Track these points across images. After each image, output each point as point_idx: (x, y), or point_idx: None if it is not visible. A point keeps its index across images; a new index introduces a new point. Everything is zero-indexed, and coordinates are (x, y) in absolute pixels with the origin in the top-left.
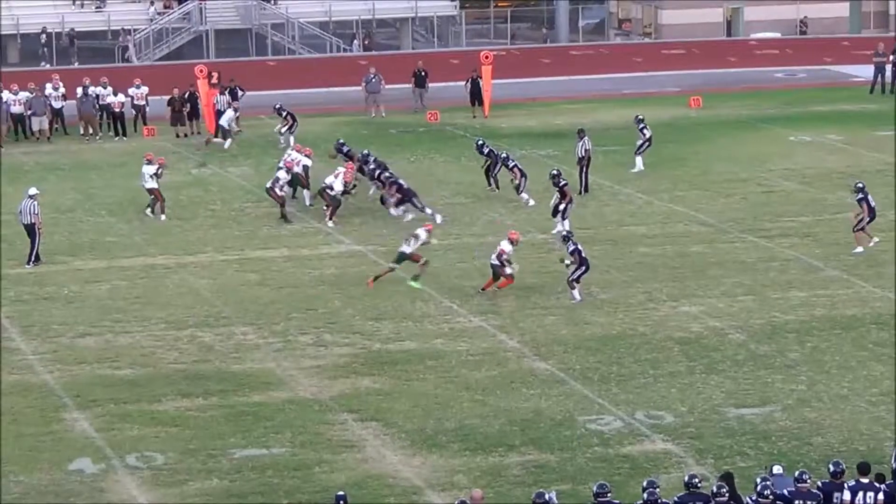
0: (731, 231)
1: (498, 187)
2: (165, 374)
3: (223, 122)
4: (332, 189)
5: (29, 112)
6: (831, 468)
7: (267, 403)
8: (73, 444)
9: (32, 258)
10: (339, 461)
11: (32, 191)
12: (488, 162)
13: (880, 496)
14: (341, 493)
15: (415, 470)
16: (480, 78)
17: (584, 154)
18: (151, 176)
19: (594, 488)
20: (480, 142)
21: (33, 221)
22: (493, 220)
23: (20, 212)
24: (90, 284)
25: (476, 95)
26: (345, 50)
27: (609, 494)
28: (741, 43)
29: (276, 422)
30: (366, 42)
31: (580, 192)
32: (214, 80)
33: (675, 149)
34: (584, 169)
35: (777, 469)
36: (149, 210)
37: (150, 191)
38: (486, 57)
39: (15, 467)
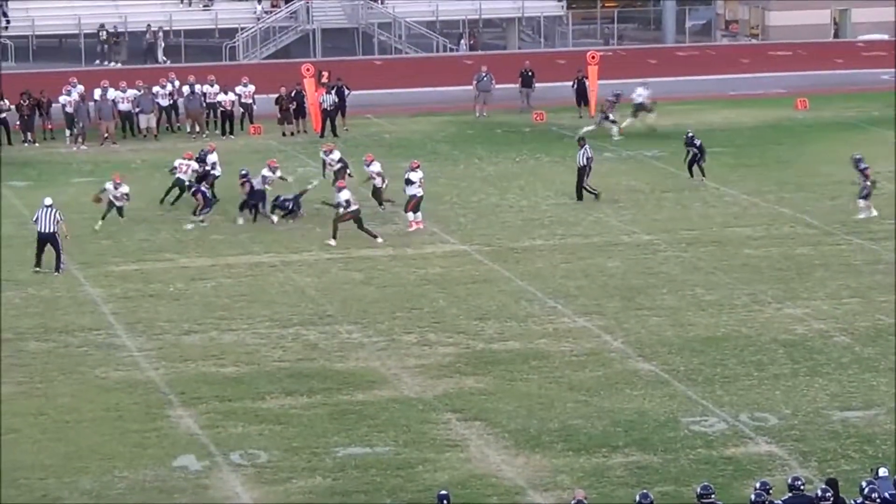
0: (836, 233)
1: (704, 175)
2: (270, 371)
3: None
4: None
5: (137, 110)
6: None
7: (371, 402)
8: (177, 441)
9: (61, 265)
10: (443, 460)
11: (48, 201)
12: (692, 153)
13: None
14: (444, 492)
15: (518, 470)
16: (587, 78)
17: (585, 163)
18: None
19: (698, 490)
20: (690, 134)
21: (54, 230)
22: (598, 220)
23: (36, 220)
24: (196, 282)
25: (582, 96)
26: (451, 50)
27: (713, 496)
28: (848, 44)
29: (379, 420)
30: (472, 42)
31: (577, 199)
32: (325, 80)
33: (781, 150)
34: (584, 178)
35: (883, 471)
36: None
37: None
38: (593, 57)
39: (120, 463)
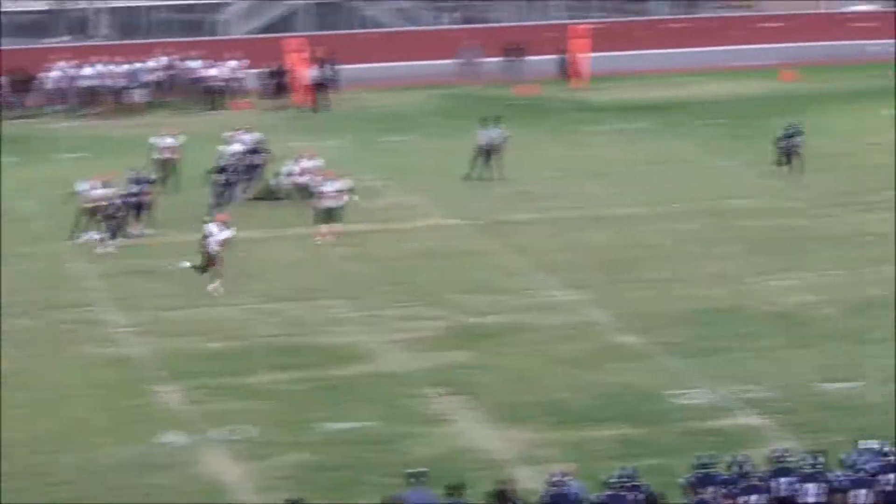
0: (824, 205)
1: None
2: (256, 347)
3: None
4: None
5: (125, 85)
6: None
7: (357, 377)
8: (163, 417)
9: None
10: (428, 435)
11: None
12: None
13: None
14: (418, 469)
15: (503, 443)
16: (573, 51)
17: (494, 142)
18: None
19: (698, 460)
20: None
21: None
22: (587, 193)
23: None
24: (184, 258)
25: (570, 68)
26: (440, 23)
27: (711, 466)
28: (838, 16)
29: (366, 395)
30: (460, 14)
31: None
32: (316, 54)
33: (770, 122)
34: (493, 156)
35: (866, 443)
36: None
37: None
38: (582, 30)
39: (108, 439)
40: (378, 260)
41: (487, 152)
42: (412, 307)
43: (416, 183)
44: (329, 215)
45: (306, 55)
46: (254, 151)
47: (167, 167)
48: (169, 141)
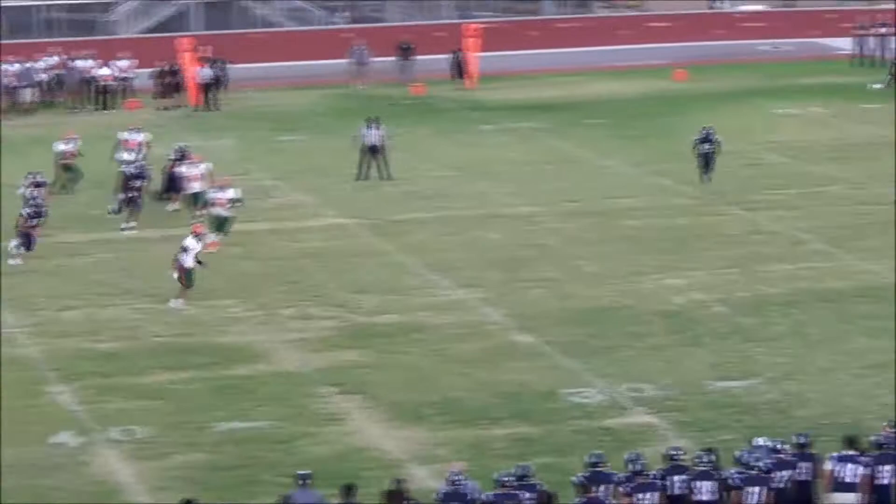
0: (716, 204)
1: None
2: (149, 347)
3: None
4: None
5: (17, 84)
6: (797, 440)
7: (251, 376)
8: (56, 418)
9: None
10: (323, 434)
11: None
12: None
13: (865, 469)
14: (305, 472)
15: (398, 443)
16: (463, 51)
17: (378, 142)
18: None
19: (590, 458)
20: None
21: None
22: (480, 192)
23: None
24: (75, 257)
25: (459, 68)
26: (330, 23)
27: (602, 465)
28: (726, 15)
29: (259, 395)
30: (351, 14)
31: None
32: (202, 54)
33: (661, 121)
34: (377, 156)
35: (759, 441)
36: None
37: None
38: (472, 29)
39: (1, 440)
40: (271, 259)
41: (372, 152)
42: (306, 306)
43: (308, 182)
44: (220, 224)
45: (198, 54)
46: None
47: (65, 169)
48: (67, 145)
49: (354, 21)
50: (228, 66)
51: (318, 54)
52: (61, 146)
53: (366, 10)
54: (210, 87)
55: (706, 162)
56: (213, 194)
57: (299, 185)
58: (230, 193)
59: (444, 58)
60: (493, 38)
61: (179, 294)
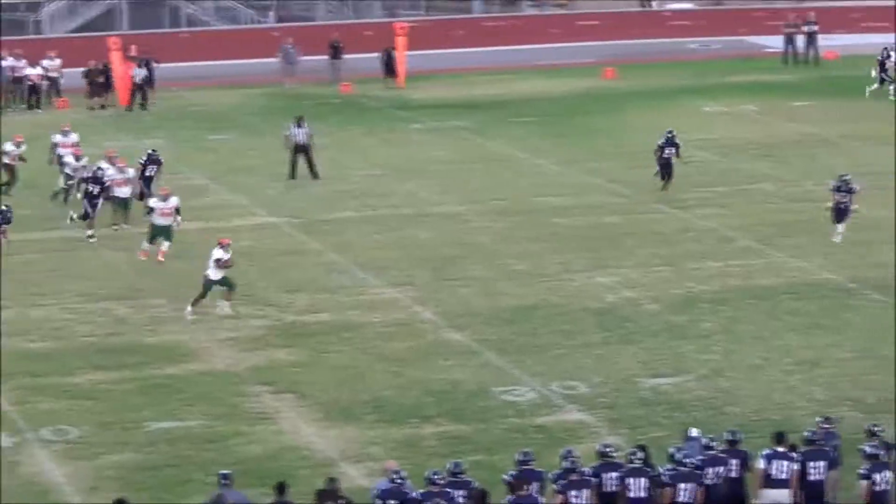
0: (646, 202)
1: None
2: (79, 347)
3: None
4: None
5: None
6: (728, 436)
7: (181, 376)
8: None
9: None
10: (254, 433)
11: None
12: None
13: (795, 466)
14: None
15: (329, 442)
16: (395, 49)
17: (305, 141)
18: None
19: (518, 456)
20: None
21: None
22: (409, 191)
23: None
24: (4, 257)
25: (390, 67)
26: (259, 22)
27: (531, 463)
28: (656, 14)
29: (190, 394)
30: (280, 13)
31: (315, 177)
32: (133, 53)
33: (590, 120)
34: (305, 155)
35: (694, 432)
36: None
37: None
38: (401, 28)
39: None
40: (201, 259)
41: (301, 151)
42: (237, 306)
43: (239, 182)
44: (161, 233)
45: (127, 54)
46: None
47: (11, 171)
48: (11, 147)
49: (283, 20)
50: (155, 65)
51: (248, 53)
52: (9, 146)
53: (295, 8)
54: (140, 87)
55: (667, 167)
56: (156, 203)
57: (229, 185)
58: (174, 202)
59: (373, 56)
60: (421, 37)
61: (225, 296)
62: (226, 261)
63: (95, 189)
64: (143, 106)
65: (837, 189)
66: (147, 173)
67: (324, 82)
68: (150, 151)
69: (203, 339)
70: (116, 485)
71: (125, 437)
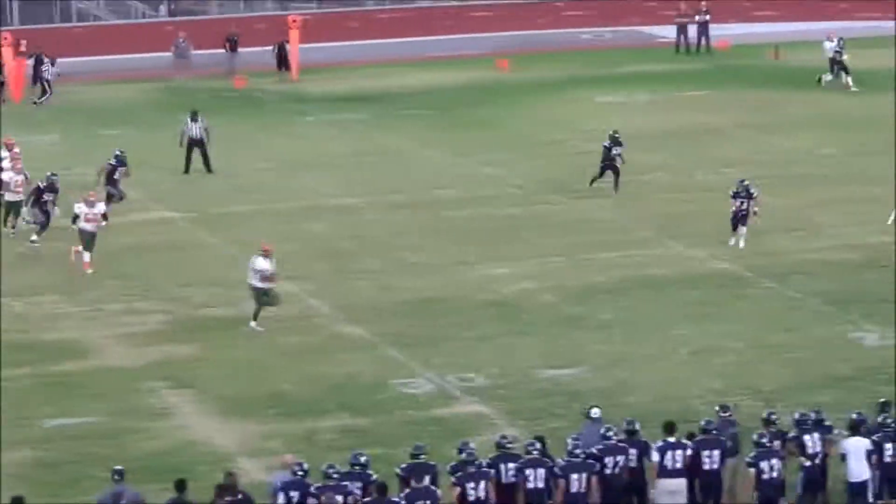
0: (542, 193)
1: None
2: None
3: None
4: None
5: None
6: (627, 426)
7: (79, 372)
8: None
9: None
10: (153, 429)
11: None
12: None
13: (688, 452)
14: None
15: (229, 436)
16: (287, 42)
17: (200, 136)
18: None
19: (411, 450)
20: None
21: None
22: (304, 184)
23: None
24: None
25: (283, 60)
26: (151, 16)
27: (423, 456)
28: (549, 5)
29: (89, 390)
30: (172, 7)
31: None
32: (23, 49)
33: (485, 112)
34: (200, 149)
35: (595, 413)
36: None
37: None
38: (294, 21)
39: None
40: (98, 254)
41: (195, 145)
42: (134, 301)
43: (134, 177)
44: (89, 241)
45: (18, 49)
46: None
47: None
48: None
49: (175, 14)
50: (47, 60)
51: (140, 48)
52: None
53: (187, 3)
54: (33, 82)
55: (614, 170)
56: (81, 209)
57: (125, 180)
58: (100, 208)
59: (266, 50)
60: (314, 30)
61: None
62: (270, 275)
63: (49, 197)
64: (35, 102)
65: (736, 195)
66: (116, 175)
67: (218, 76)
68: (117, 153)
69: (101, 335)
70: (14, 482)
71: (23, 435)
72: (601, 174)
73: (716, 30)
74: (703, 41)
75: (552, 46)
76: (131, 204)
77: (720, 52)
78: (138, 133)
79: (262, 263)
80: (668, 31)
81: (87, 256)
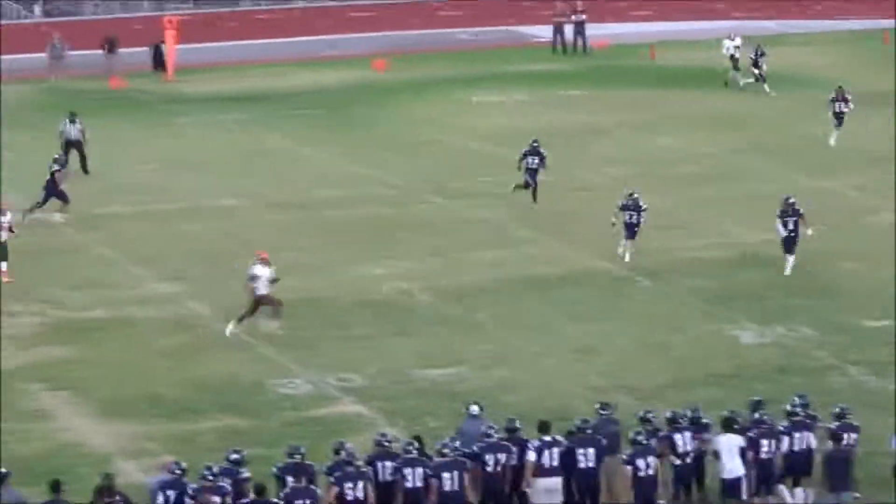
0: (419, 192)
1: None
2: None
3: None
4: None
5: None
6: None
7: None
8: None
9: None
10: (31, 431)
11: None
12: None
13: (564, 453)
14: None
15: (107, 437)
16: (164, 43)
17: (77, 137)
18: None
19: (285, 450)
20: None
21: None
22: (182, 185)
23: None
24: None
25: (159, 60)
26: (25, 17)
27: (298, 455)
28: (426, 5)
29: None
30: (46, 7)
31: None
32: None
33: (362, 112)
34: (79, 150)
35: (474, 409)
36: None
37: None
38: (170, 21)
39: None
40: None
41: (72, 146)
42: (10, 303)
43: (8, 178)
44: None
45: None
46: None
47: None
48: None
49: (50, 14)
50: None
51: (15, 48)
52: None
53: (62, 3)
54: None
55: (534, 178)
56: None
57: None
58: (8, 217)
59: (143, 51)
60: (191, 30)
61: (272, 314)
62: (273, 280)
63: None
64: None
65: (625, 207)
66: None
67: (93, 77)
68: (56, 156)
69: None
70: None
71: None
72: (527, 185)
73: (594, 29)
74: (580, 41)
75: (429, 47)
76: (6, 206)
77: (598, 52)
78: (15, 134)
79: (262, 270)
80: (545, 31)
81: (3, 266)
